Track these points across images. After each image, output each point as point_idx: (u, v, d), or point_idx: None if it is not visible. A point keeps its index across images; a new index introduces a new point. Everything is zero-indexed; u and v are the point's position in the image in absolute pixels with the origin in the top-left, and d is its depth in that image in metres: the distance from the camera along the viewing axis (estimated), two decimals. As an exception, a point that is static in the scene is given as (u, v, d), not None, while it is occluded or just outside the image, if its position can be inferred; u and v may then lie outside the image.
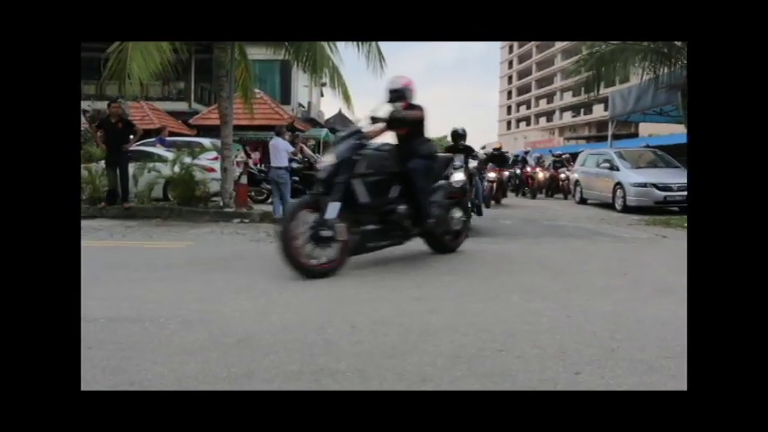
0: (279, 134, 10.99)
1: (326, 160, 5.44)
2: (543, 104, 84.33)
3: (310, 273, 5.03)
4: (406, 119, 5.92)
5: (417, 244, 6.40)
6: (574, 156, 21.74)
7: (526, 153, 25.10)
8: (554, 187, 21.25)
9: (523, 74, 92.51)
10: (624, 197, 13.38)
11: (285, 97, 29.99)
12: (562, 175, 20.38)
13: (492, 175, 11.22)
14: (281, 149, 10.70)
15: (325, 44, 11.00)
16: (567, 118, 74.48)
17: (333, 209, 5.13)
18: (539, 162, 23.46)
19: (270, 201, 10.35)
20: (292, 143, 12.08)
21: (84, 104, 17.44)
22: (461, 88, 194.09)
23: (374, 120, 5.86)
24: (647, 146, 20.28)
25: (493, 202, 14.89)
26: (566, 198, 19.44)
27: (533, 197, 20.00)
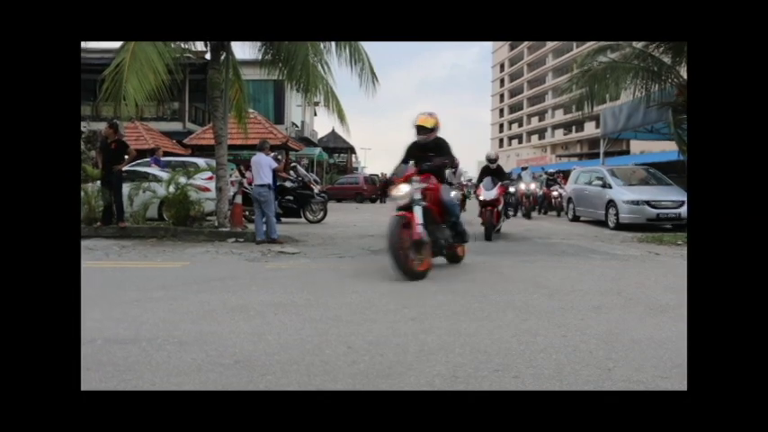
0: (261, 149, 10.50)
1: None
2: (535, 122, 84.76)
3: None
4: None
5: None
6: (566, 173, 21.81)
7: (523, 170, 24.69)
8: (546, 205, 21.24)
9: (515, 92, 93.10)
10: (617, 214, 13.44)
11: (279, 117, 30.14)
12: (554, 193, 20.38)
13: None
14: (264, 165, 10.18)
15: (318, 64, 11.06)
16: (559, 135, 74.87)
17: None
18: (534, 179, 23.26)
19: (264, 220, 10.21)
20: (276, 159, 11.80)
21: (80, 125, 17.49)
22: (453, 107, 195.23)
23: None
24: (635, 164, 20.39)
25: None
26: (558, 215, 19.45)
27: (528, 217, 19.40)
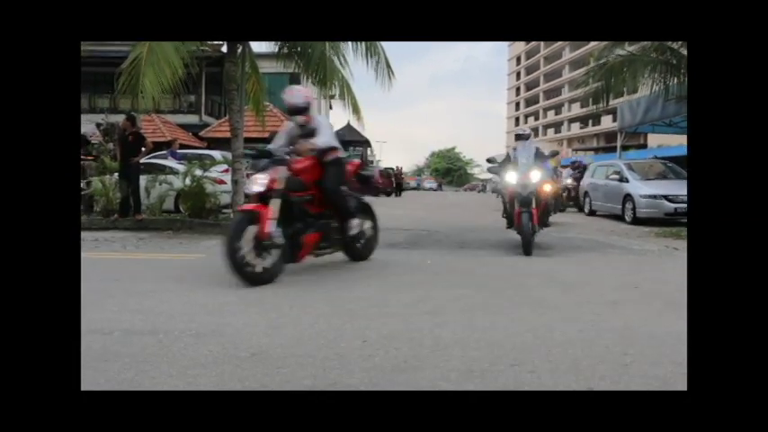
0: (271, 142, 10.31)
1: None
2: (551, 116, 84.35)
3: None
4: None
5: (423, 257, 6.38)
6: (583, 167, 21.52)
7: (518, 138, 19.77)
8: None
9: (531, 85, 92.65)
10: (634, 209, 13.32)
11: (294, 109, 30.08)
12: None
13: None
14: None
15: (334, 57, 11.05)
16: (576, 129, 74.46)
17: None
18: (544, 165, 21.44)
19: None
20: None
21: (99, 118, 17.66)
22: (468, 100, 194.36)
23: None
24: (655, 157, 20.19)
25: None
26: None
27: (528, 250, 14.56)
